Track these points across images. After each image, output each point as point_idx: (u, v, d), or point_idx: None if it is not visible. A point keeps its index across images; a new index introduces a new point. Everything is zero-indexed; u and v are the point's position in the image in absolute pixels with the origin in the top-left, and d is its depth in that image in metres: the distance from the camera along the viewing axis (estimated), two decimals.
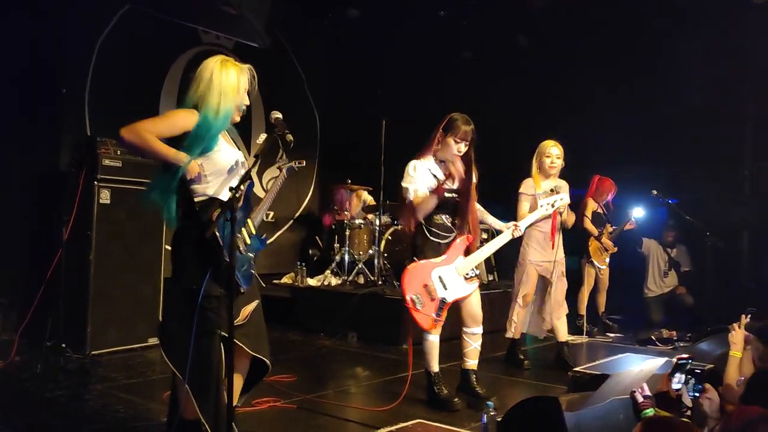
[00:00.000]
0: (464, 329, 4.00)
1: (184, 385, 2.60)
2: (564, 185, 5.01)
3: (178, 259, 2.72)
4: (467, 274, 3.86)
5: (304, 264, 7.29)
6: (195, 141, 2.63)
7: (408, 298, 3.74)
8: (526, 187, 4.93)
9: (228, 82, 2.68)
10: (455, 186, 3.89)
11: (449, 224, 3.88)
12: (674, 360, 3.02)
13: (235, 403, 2.59)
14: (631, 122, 7.23)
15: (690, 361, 2.99)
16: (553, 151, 4.90)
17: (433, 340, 3.93)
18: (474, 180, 3.96)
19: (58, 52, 5.98)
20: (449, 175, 3.85)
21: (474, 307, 3.95)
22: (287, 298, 6.70)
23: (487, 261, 7.86)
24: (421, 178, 3.85)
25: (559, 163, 4.92)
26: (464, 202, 3.89)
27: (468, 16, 7.89)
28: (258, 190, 7.52)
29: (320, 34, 8.78)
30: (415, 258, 3.87)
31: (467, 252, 3.92)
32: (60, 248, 4.71)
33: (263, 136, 2.78)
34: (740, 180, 7.19)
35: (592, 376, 3.76)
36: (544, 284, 5.05)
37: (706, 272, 6.44)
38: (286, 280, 7.37)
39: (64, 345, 4.56)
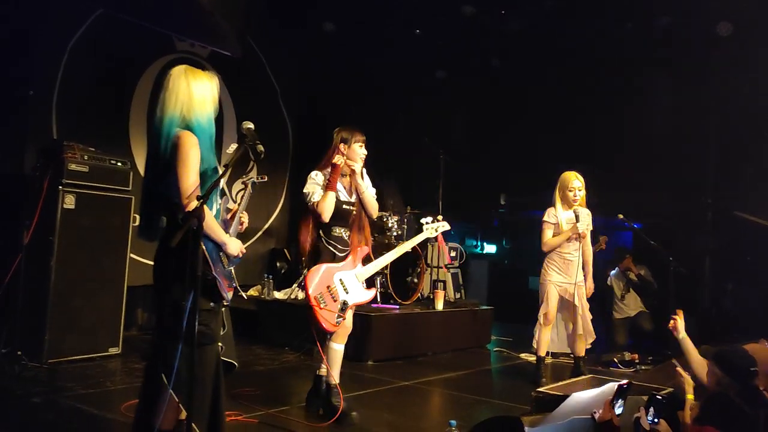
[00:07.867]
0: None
1: (167, 395, 2.52)
2: (584, 212, 5.28)
3: (162, 271, 2.64)
4: (365, 282, 4.03)
5: (271, 276, 7.23)
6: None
7: (312, 297, 3.78)
8: (549, 216, 5.32)
9: (205, 91, 2.70)
10: (352, 199, 4.06)
11: (346, 238, 4.01)
12: (615, 386, 2.94)
13: (183, 416, 2.55)
14: (599, 148, 7.36)
15: (630, 386, 2.97)
16: (575, 184, 5.23)
17: (338, 349, 3.99)
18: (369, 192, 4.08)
19: (27, 54, 5.86)
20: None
21: (347, 322, 3.97)
22: (253, 311, 6.62)
23: (455, 279, 7.88)
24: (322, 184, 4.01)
25: (582, 194, 5.26)
26: (359, 215, 4.06)
27: (443, 36, 7.99)
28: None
29: (296, 47, 8.78)
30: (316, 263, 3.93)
31: (366, 261, 4.07)
32: (20, 253, 4.59)
33: (234, 146, 2.77)
34: (703, 207, 7.37)
35: (556, 396, 3.78)
36: (565, 305, 5.36)
37: (668, 297, 6.54)
38: (252, 292, 7.28)
39: (20, 353, 4.44)
